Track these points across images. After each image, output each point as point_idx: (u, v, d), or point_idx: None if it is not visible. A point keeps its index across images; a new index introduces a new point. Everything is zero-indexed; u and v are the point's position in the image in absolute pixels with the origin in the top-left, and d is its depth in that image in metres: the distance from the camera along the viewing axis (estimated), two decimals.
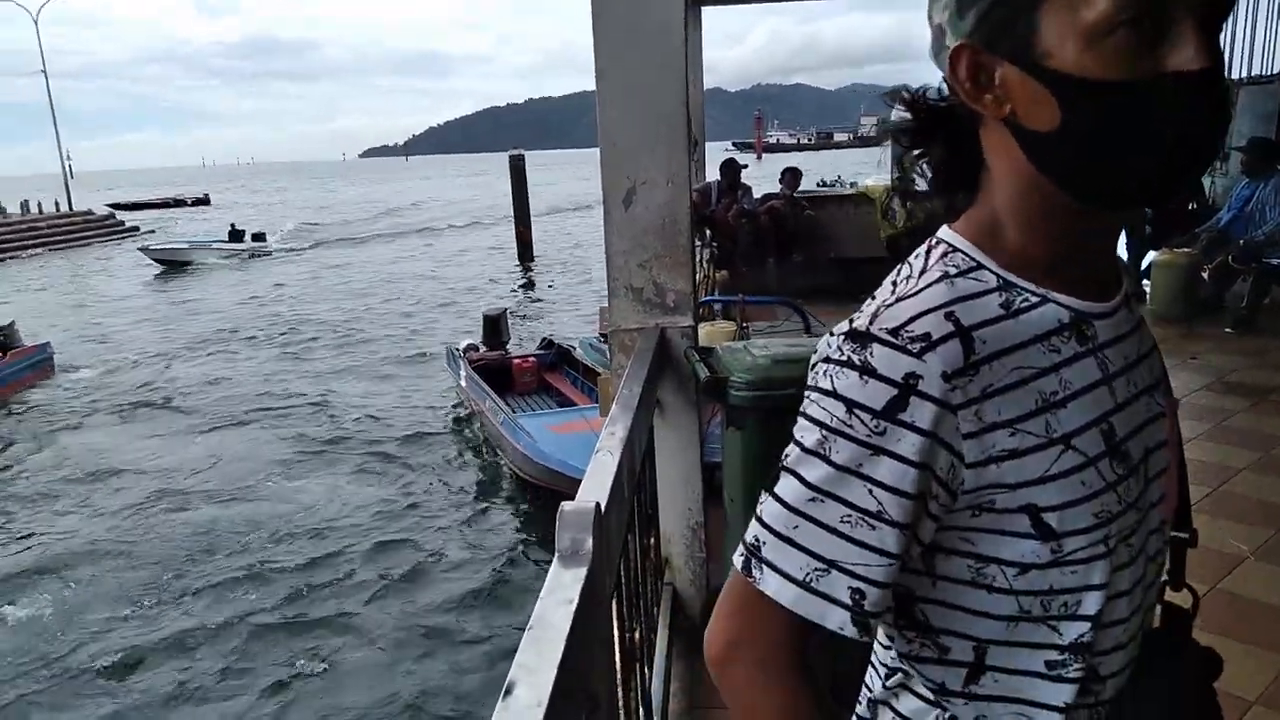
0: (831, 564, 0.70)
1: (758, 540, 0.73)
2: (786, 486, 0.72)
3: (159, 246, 28.98)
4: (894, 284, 0.75)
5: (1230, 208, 6.65)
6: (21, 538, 7.83)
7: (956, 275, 0.72)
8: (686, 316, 2.66)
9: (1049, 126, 0.66)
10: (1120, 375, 0.76)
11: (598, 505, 1.24)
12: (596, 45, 2.51)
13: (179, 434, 10.62)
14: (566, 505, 1.22)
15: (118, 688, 5.60)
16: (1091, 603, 0.72)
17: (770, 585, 0.72)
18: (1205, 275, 6.48)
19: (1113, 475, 0.72)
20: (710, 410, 3.29)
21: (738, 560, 0.75)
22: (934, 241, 0.77)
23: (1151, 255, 6.81)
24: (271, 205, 62.63)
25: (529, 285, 21.18)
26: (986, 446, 0.68)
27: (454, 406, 10.75)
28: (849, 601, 0.70)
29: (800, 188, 9.45)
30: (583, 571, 1.13)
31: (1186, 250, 6.62)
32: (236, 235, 29.78)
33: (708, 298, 6.64)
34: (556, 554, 1.18)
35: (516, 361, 10.13)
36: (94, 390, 12.82)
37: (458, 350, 10.57)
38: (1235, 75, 8.91)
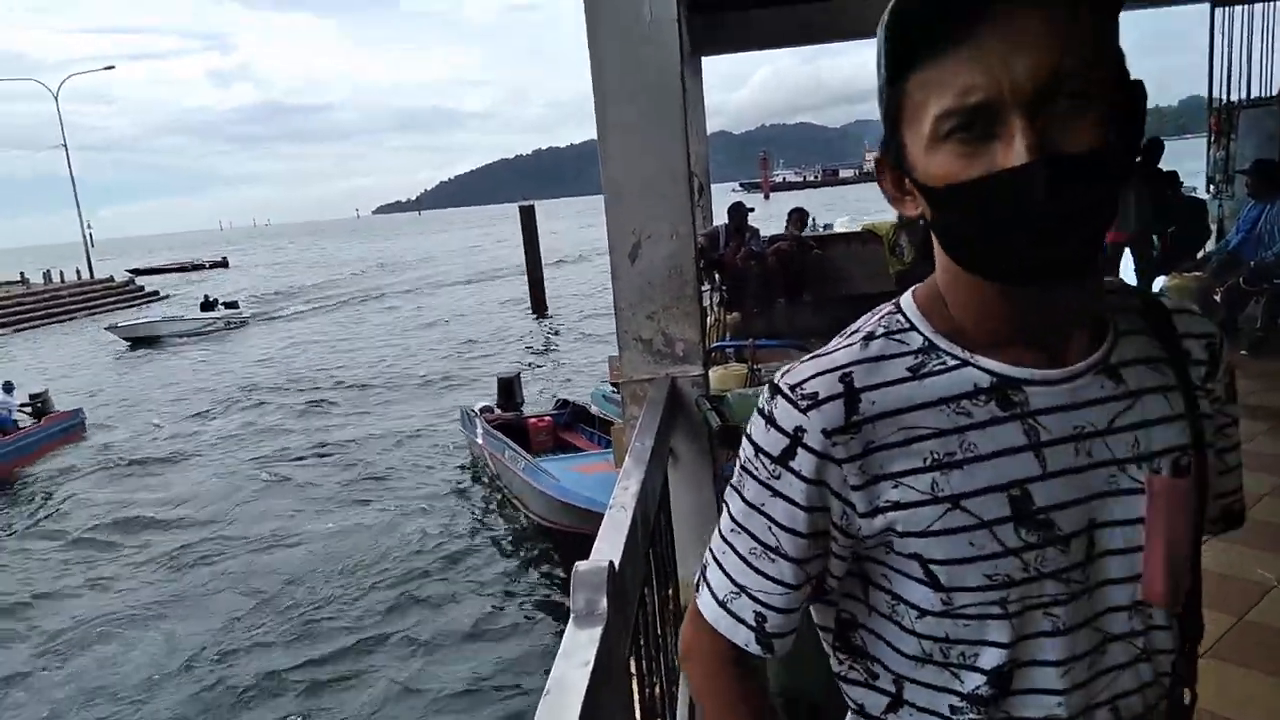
0: (742, 589, 0.81)
1: (705, 560, 0.86)
2: (722, 516, 0.84)
3: (127, 324, 26.97)
4: (839, 336, 0.82)
5: (1239, 229, 6.64)
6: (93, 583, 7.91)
7: (883, 335, 0.78)
8: (696, 365, 2.69)
9: (933, 220, 0.74)
10: (1060, 444, 0.74)
11: (611, 564, 1.25)
12: (597, 102, 2.57)
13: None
14: (580, 565, 1.23)
15: None
16: (989, 658, 0.76)
17: (702, 601, 0.85)
18: (1217, 298, 6.45)
19: (1016, 541, 0.73)
20: (724, 456, 3.29)
21: (696, 576, 0.87)
22: (892, 301, 0.82)
23: (1161, 280, 6.79)
24: (288, 264, 63.49)
25: (546, 340, 21.11)
26: (873, 497, 0.75)
27: (468, 467, 10.74)
28: (753, 623, 0.81)
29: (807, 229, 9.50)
30: (598, 632, 1.14)
31: (1197, 274, 6.59)
32: (209, 305, 28.28)
33: (718, 343, 6.67)
34: (571, 615, 1.19)
35: (532, 421, 10.16)
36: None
37: (472, 412, 10.58)
38: (1235, 97, 8.93)
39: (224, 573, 8.25)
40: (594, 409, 10.07)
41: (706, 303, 7.20)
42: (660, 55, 2.53)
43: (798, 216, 9.25)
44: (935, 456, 0.74)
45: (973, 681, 0.77)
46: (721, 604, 0.82)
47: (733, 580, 0.81)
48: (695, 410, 2.63)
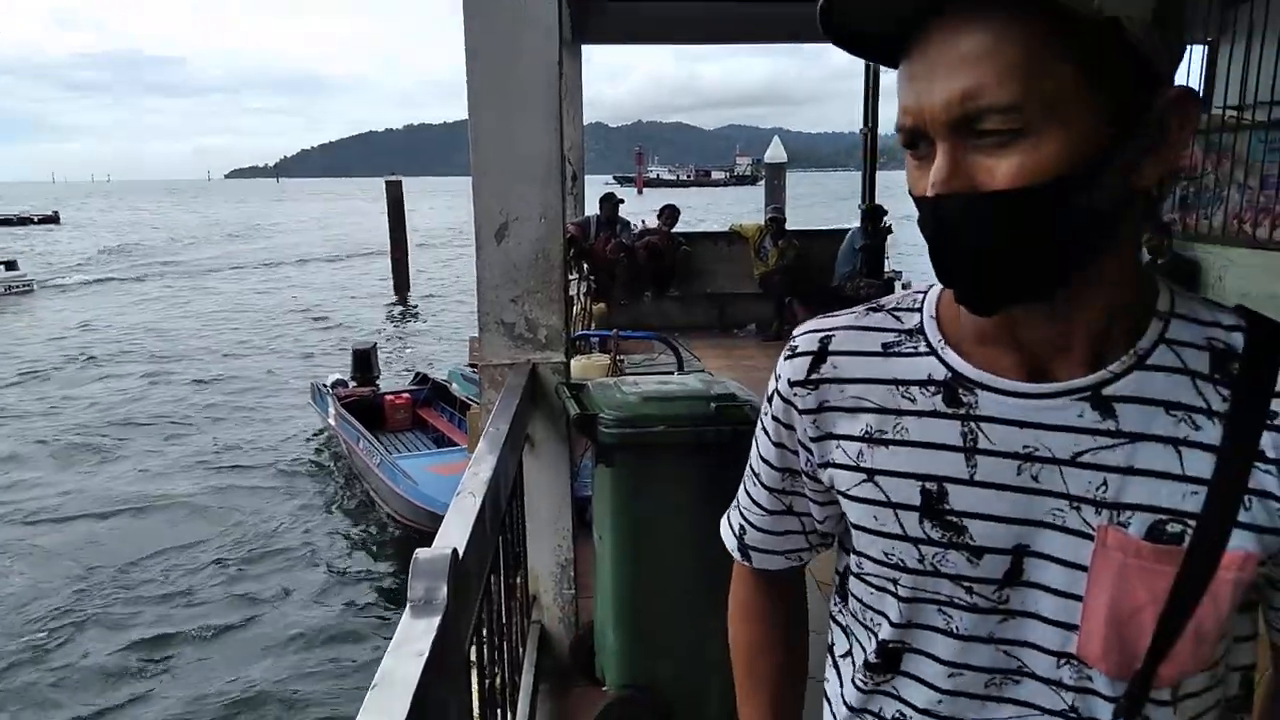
0: (737, 503, 0.95)
1: None
2: None
3: None
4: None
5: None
6: None
7: (889, 309, 0.81)
8: (558, 352, 2.65)
9: None
10: (998, 456, 0.71)
11: (454, 551, 1.21)
12: (470, 81, 2.49)
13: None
14: (421, 553, 1.18)
15: None
16: (885, 631, 0.80)
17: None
18: None
19: (918, 531, 0.74)
20: (582, 445, 3.27)
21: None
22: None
23: None
24: (133, 225, 59.11)
25: (405, 317, 20.58)
26: (824, 452, 0.80)
27: (323, 446, 10.25)
28: (737, 532, 0.94)
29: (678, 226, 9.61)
30: (436, 621, 1.09)
31: None
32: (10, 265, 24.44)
33: (583, 332, 6.65)
34: (408, 604, 1.13)
35: (389, 398, 9.74)
36: None
37: (325, 386, 10.06)
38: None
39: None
40: (453, 388, 9.80)
41: (574, 292, 7.17)
42: (538, 36, 2.48)
43: (669, 213, 9.35)
44: (869, 429, 0.77)
45: (871, 648, 0.82)
46: (727, 516, 0.97)
47: (737, 498, 0.95)
48: (555, 397, 2.59)
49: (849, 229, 9.15)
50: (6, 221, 56.23)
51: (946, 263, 0.66)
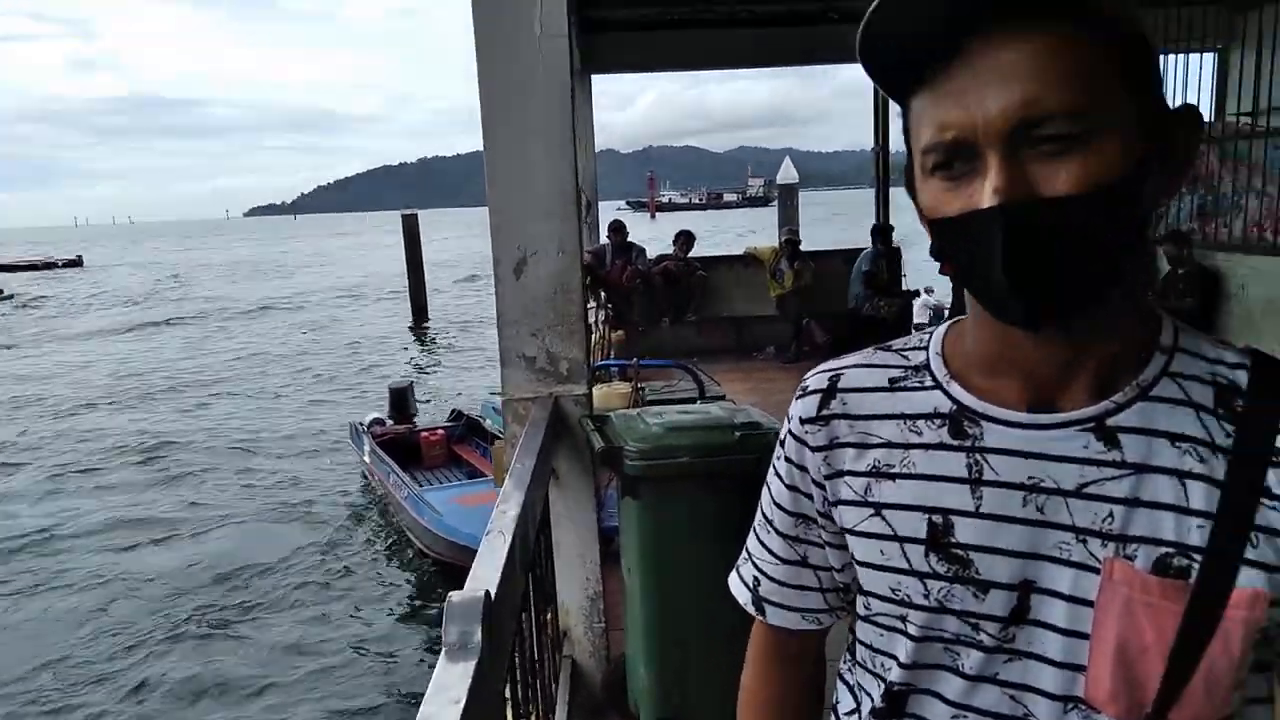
0: (749, 555, 0.91)
1: None
2: None
3: None
4: None
5: None
6: None
7: (897, 349, 0.82)
8: (580, 384, 2.66)
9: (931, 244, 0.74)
10: (1004, 488, 0.71)
11: (487, 594, 1.21)
12: (484, 117, 2.52)
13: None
14: (454, 596, 1.18)
15: None
16: (893, 674, 0.78)
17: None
18: None
19: (924, 566, 0.74)
20: (607, 475, 3.27)
21: None
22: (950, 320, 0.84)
23: None
24: (150, 265, 59.98)
25: (424, 350, 20.68)
26: (835, 490, 0.80)
27: (360, 485, 10.33)
28: (751, 585, 0.90)
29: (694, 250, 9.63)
30: (471, 665, 1.10)
31: None
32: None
33: (603, 361, 6.66)
34: (444, 649, 1.13)
35: (424, 435, 9.80)
36: None
37: (362, 425, 10.18)
38: None
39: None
40: (487, 423, 9.88)
41: (591, 320, 7.20)
42: (550, 71, 2.51)
43: (684, 238, 9.38)
44: (877, 464, 0.77)
45: (878, 692, 0.80)
46: (737, 568, 0.93)
47: (747, 547, 0.91)
48: (579, 430, 2.60)
49: (862, 249, 9.14)
50: (33, 266, 57.17)
51: (1006, 273, 0.64)
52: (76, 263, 60.27)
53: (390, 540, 8.64)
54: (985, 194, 0.63)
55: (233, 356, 20.17)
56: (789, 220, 16.62)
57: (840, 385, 0.81)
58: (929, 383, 0.77)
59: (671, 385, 5.91)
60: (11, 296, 36.55)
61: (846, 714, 0.86)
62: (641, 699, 2.39)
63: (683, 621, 2.27)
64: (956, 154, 0.65)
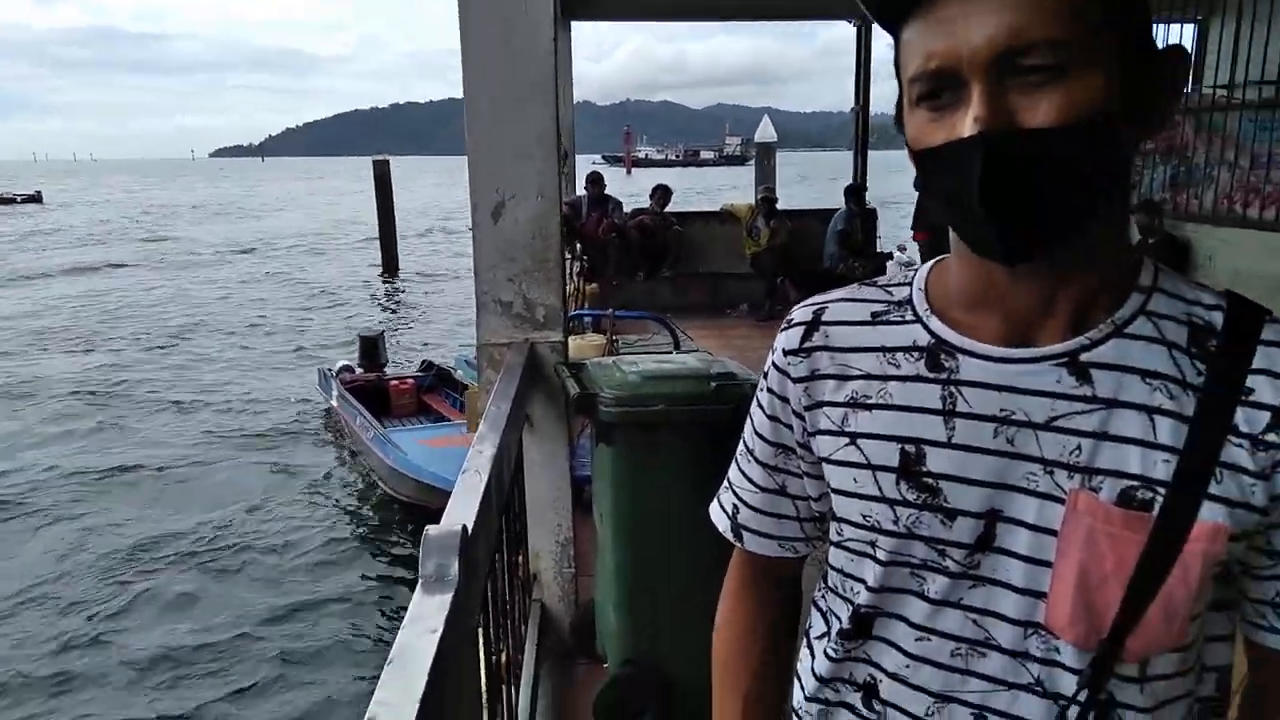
0: (730, 483, 0.93)
1: None
2: None
3: None
4: None
5: None
6: None
7: (883, 284, 0.83)
8: (557, 331, 2.65)
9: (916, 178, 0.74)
10: (976, 420, 0.72)
11: (464, 528, 1.21)
12: (465, 57, 2.47)
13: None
14: (431, 529, 1.18)
15: None
16: (861, 596, 0.81)
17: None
18: None
19: (894, 493, 0.75)
20: (580, 424, 3.28)
21: None
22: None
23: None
24: (111, 203, 58.56)
25: (396, 300, 20.45)
26: (814, 421, 0.82)
27: (322, 429, 10.29)
28: (730, 512, 0.93)
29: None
30: (448, 598, 1.10)
31: None
32: None
33: (578, 311, 6.64)
34: (420, 581, 1.14)
35: (394, 383, 9.76)
36: None
37: (330, 371, 10.12)
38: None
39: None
40: (458, 374, 9.84)
41: (565, 272, 7.16)
42: (533, 13, 2.46)
43: (661, 193, 9.33)
44: (854, 395, 0.79)
45: (846, 615, 0.83)
46: (718, 497, 0.95)
47: (728, 477, 0.94)
48: (554, 377, 2.59)
49: (837, 209, 9.15)
50: None
51: (983, 203, 0.64)
52: (35, 198, 58.68)
53: (353, 482, 8.64)
54: (966, 123, 0.63)
55: (198, 299, 19.86)
56: (766, 179, 16.55)
57: (824, 318, 0.82)
58: (909, 317, 0.79)
59: (645, 339, 5.92)
60: None
61: (817, 638, 0.88)
62: (609, 643, 2.42)
63: (653, 567, 2.30)
64: (942, 83, 0.66)
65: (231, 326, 16.74)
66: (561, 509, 2.73)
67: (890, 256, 9.41)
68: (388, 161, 21.78)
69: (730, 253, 9.23)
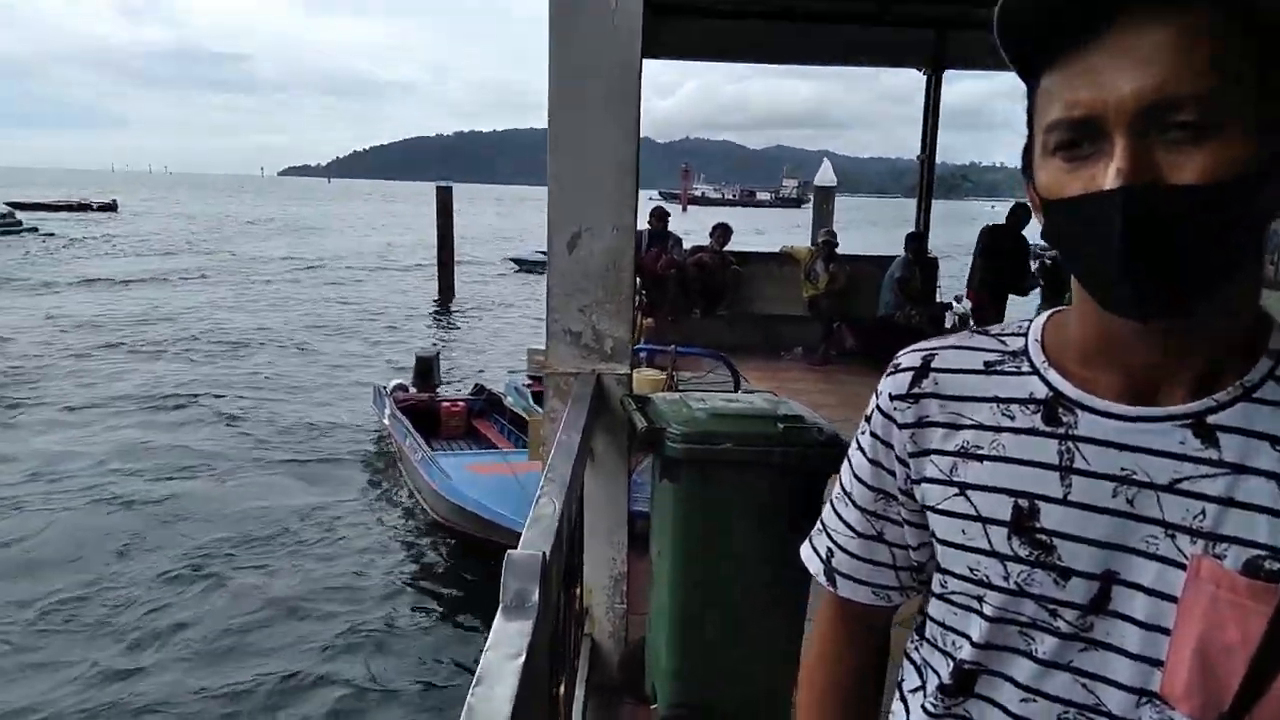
0: (824, 526, 0.92)
1: None
2: None
3: None
4: None
5: None
6: None
7: (995, 334, 0.82)
8: (624, 364, 2.66)
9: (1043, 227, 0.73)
10: (1094, 478, 0.71)
11: (544, 555, 1.21)
12: (551, 89, 2.52)
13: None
14: (513, 554, 1.19)
15: None
16: (964, 652, 0.79)
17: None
18: None
19: (1006, 548, 0.74)
20: (638, 457, 3.27)
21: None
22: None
23: None
24: (182, 215, 60.52)
25: (450, 324, 20.73)
26: (920, 468, 0.80)
27: (375, 447, 10.44)
28: (824, 556, 0.91)
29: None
30: (529, 625, 1.10)
31: None
32: None
33: (642, 346, 6.66)
34: (501, 606, 1.14)
35: (445, 405, 9.88)
36: None
37: (385, 389, 10.28)
38: None
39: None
40: (507, 400, 9.92)
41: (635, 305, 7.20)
42: (620, 49, 2.51)
43: (721, 231, 9.36)
44: (965, 445, 0.78)
45: (946, 670, 0.81)
46: (810, 539, 0.93)
47: (822, 519, 0.92)
48: (618, 409, 2.60)
49: (895, 256, 9.09)
50: (69, 207, 57.83)
51: (1121, 258, 0.63)
52: (111, 207, 60.92)
53: (401, 501, 8.72)
54: (1109, 175, 0.62)
55: (261, 312, 20.36)
56: (824, 222, 16.52)
57: (934, 365, 0.81)
58: (1025, 368, 0.77)
59: (700, 376, 5.90)
60: (40, 232, 37.04)
61: (911, 691, 0.87)
62: (661, 684, 2.39)
63: (711, 608, 2.28)
64: (1082, 133, 0.65)
65: (287, 342, 17.12)
66: (617, 544, 2.73)
67: (949, 307, 9.30)
68: (450, 188, 22.20)
69: (787, 295, 9.19)
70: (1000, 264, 8.40)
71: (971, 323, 8.18)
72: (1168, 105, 0.61)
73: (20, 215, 41.75)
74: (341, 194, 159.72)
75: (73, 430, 10.75)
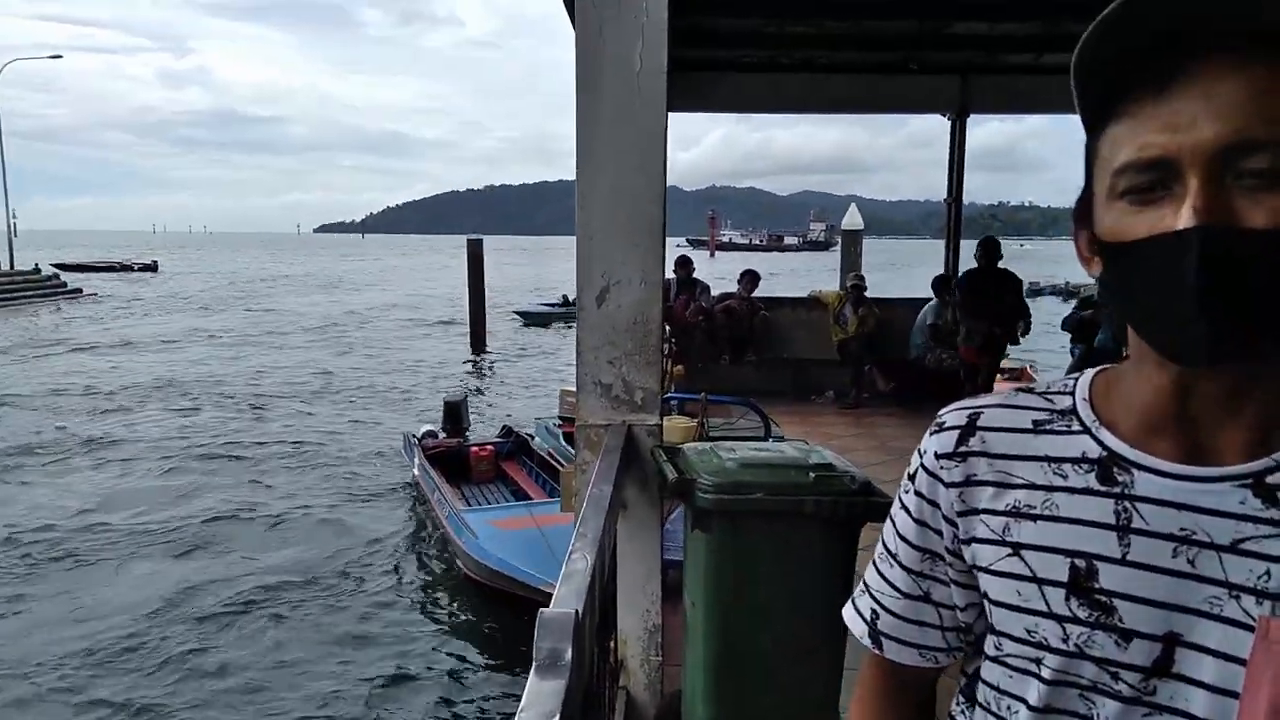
0: (867, 587, 0.90)
1: None
2: None
3: None
4: None
5: None
6: None
7: (1040, 391, 0.81)
8: (654, 414, 2.67)
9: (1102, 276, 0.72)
10: (1153, 538, 0.70)
11: (576, 613, 1.21)
12: (579, 142, 2.57)
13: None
14: (545, 613, 1.19)
15: None
16: (1022, 716, 0.76)
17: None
18: None
19: (1064, 609, 0.73)
20: (668, 507, 3.26)
21: None
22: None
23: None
24: (221, 274, 61.93)
25: (480, 372, 20.92)
26: (969, 527, 0.79)
27: (408, 496, 10.49)
28: (868, 618, 0.90)
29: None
30: (562, 685, 1.10)
31: None
32: None
33: (669, 394, 6.67)
34: (534, 664, 1.14)
35: (474, 450, 9.93)
36: None
37: (414, 438, 10.34)
38: None
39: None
40: (535, 441, 9.94)
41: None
42: (646, 105, 2.55)
43: (749, 278, 9.39)
44: (1017, 505, 0.76)
45: None
46: (853, 600, 0.92)
47: (865, 580, 0.91)
48: (649, 460, 2.60)
49: (925, 299, 9.04)
50: (111, 267, 59.40)
51: (1191, 300, 0.62)
52: (151, 268, 62.44)
53: (433, 554, 8.74)
54: (1182, 215, 0.62)
55: (298, 366, 20.65)
56: (853, 265, 16.54)
57: (980, 423, 0.80)
58: (1076, 427, 0.76)
59: (730, 422, 5.89)
60: (88, 294, 38.03)
61: None
62: None
63: (746, 658, 2.25)
64: (1155, 176, 0.64)
65: (321, 393, 17.33)
66: (651, 594, 2.71)
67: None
68: (480, 240, 22.52)
69: (816, 339, 9.17)
70: (983, 306, 7.59)
71: (963, 375, 7.97)
72: (1245, 150, 0.61)
73: (65, 276, 42.95)
74: (375, 249, 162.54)
75: (119, 479, 10.95)
